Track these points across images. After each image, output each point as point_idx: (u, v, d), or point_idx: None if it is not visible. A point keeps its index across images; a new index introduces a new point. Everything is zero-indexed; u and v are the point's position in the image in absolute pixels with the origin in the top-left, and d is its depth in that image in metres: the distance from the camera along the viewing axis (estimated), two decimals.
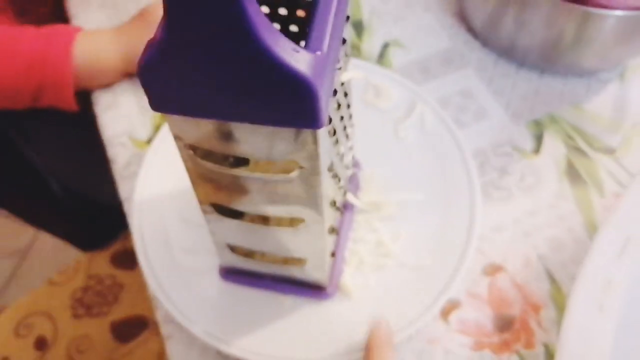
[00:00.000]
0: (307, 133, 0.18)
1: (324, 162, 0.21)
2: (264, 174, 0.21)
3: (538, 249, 0.34)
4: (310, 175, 0.21)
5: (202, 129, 0.20)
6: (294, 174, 0.21)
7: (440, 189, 0.36)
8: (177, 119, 0.20)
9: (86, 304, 0.85)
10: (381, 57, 0.44)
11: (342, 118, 0.27)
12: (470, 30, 0.45)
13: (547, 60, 0.42)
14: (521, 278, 0.33)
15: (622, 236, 0.32)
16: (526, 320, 0.32)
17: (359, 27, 0.46)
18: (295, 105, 0.17)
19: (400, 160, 0.37)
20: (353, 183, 0.35)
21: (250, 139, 0.19)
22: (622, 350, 0.29)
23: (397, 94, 0.40)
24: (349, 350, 0.29)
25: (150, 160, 0.37)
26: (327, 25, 0.19)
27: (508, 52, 0.43)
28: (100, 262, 0.89)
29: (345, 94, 0.27)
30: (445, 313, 0.32)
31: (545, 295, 0.33)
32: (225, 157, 0.22)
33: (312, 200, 0.22)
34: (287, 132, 0.19)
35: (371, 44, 0.45)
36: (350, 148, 0.32)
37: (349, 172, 0.33)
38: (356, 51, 0.45)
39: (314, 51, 0.18)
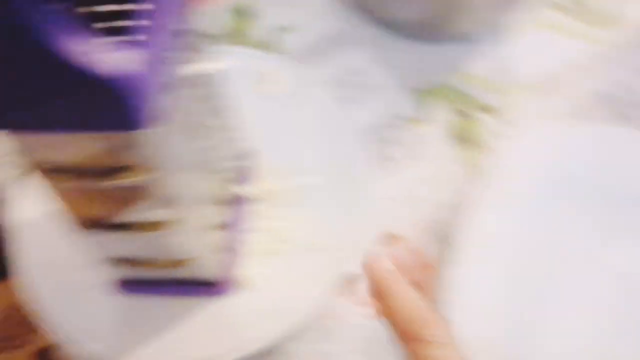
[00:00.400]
0: (136, 135, 0.18)
1: (171, 161, 0.20)
2: (113, 181, 0.20)
3: (430, 213, 0.36)
4: (160, 176, 0.20)
5: (29, 143, 0.19)
6: (141, 177, 0.20)
7: (335, 169, 0.36)
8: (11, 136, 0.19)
9: (7, 335, 0.80)
10: (270, 43, 0.44)
11: (208, 111, 0.26)
12: (359, 7, 0.45)
13: (429, 28, 0.43)
14: (417, 244, 0.35)
15: (502, 189, 0.34)
16: (425, 284, 0.33)
17: (244, 13, 0.45)
18: (110, 107, 0.16)
19: (295, 145, 0.37)
20: (244, 174, 0.34)
21: (77, 148, 0.18)
22: (510, 300, 0.31)
23: (287, 78, 0.40)
24: (252, 340, 0.29)
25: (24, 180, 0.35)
26: (151, 18, 0.18)
27: (393, 26, 0.44)
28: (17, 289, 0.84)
29: (207, 86, 0.26)
30: (346, 288, 0.33)
31: (441, 257, 0.34)
32: (70, 169, 0.21)
33: (174, 200, 0.22)
34: (119, 137, 0.18)
35: (259, 29, 0.44)
36: (232, 139, 0.31)
37: (235, 164, 0.33)
38: (243, 38, 0.44)
39: (132, 48, 0.17)
